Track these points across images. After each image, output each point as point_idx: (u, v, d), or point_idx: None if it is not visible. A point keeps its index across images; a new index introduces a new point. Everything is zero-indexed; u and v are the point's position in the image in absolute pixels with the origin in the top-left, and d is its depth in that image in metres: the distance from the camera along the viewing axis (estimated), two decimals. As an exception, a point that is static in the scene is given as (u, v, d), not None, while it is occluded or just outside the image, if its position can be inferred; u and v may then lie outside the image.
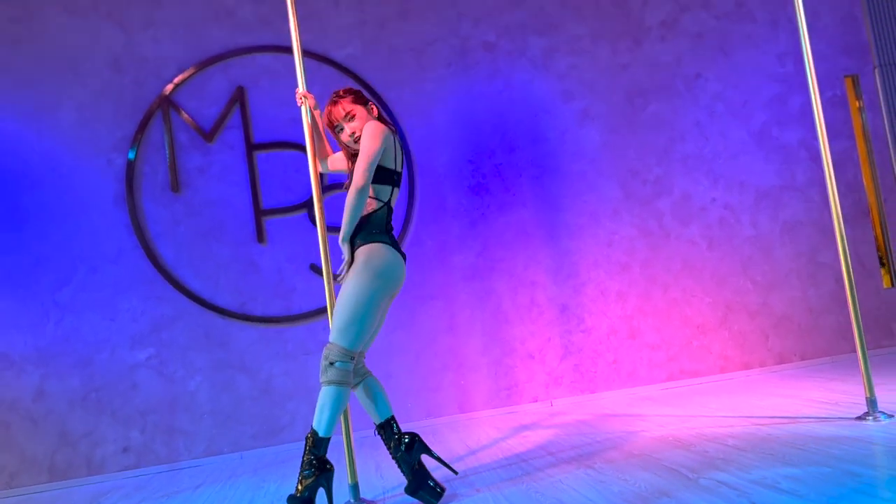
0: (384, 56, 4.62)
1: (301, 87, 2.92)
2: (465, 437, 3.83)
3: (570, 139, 4.71)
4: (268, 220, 4.44)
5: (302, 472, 2.45)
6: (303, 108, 2.90)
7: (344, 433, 2.82)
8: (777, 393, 3.88)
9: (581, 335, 4.61)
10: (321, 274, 4.40)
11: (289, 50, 4.40)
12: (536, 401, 4.52)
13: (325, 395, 2.49)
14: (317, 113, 2.94)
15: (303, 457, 2.49)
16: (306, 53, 4.36)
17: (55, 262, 4.23)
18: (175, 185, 4.35)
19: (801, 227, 4.81)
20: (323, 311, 4.38)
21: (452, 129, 4.63)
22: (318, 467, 2.45)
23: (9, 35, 4.32)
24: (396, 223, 4.49)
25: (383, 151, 2.62)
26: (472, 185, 4.61)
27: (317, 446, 2.48)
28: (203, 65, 4.45)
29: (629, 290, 4.67)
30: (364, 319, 2.53)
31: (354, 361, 2.56)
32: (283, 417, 4.30)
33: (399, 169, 2.71)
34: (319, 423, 2.48)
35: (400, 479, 3.01)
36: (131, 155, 4.33)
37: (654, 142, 4.77)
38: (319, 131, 2.96)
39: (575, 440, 3.36)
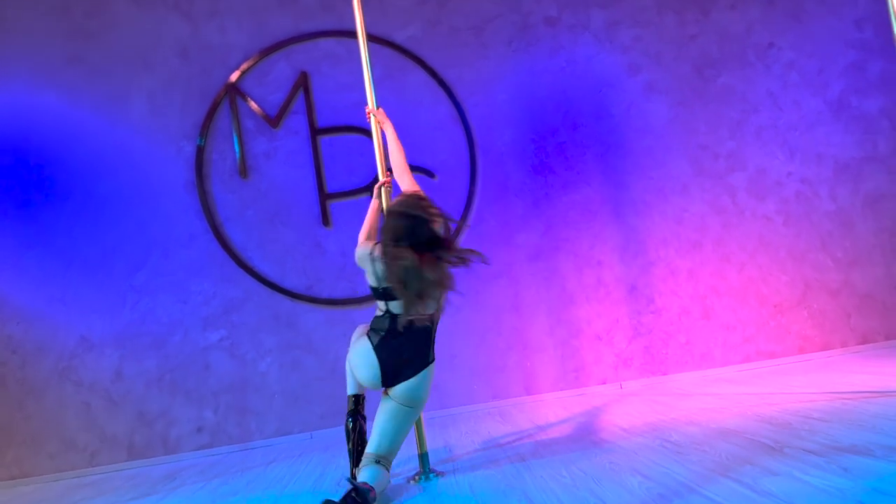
0: (445, 36, 4.59)
1: (370, 104, 3.09)
2: (532, 417, 3.77)
3: (636, 114, 4.59)
4: (332, 204, 4.47)
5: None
6: (372, 122, 3.03)
7: (412, 405, 2.80)
8: (862, 371, 3.69)
9: (651, 316, 4.49)
10: (386, 256, 4.43)
11: (351, 34, 4.43)
12: (605, 383, 4.42)
13: None
14: (385, 126, 3.05)
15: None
16: (368, 37, 4.33)
17: (130, 247, 4.36)
18: (243, 171, 4.43)
19: (884, 200, 4.56)
20: (388, 292, 4.38)
21: (514, 107, 4.57)
22: None
23: (83, 29, 4.47)
24: (458, 203, 4.47)
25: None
26: (534, 164, 4.54)
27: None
28: (267, 51, 4.51)
29: (701, 269, 4.52)
30: None
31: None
32: (350, 398, 4.32)
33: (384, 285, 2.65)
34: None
35: (468, 453, 2.99)
36: (200, 142, 4.42)
37: (726, 114, 4.60)
38: (388, 140, 3.05)
39: (648, 417, 3.26)
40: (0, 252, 4.33)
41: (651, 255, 4.52)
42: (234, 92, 4.46)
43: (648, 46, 4.62)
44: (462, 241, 4.44)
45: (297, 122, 4.50)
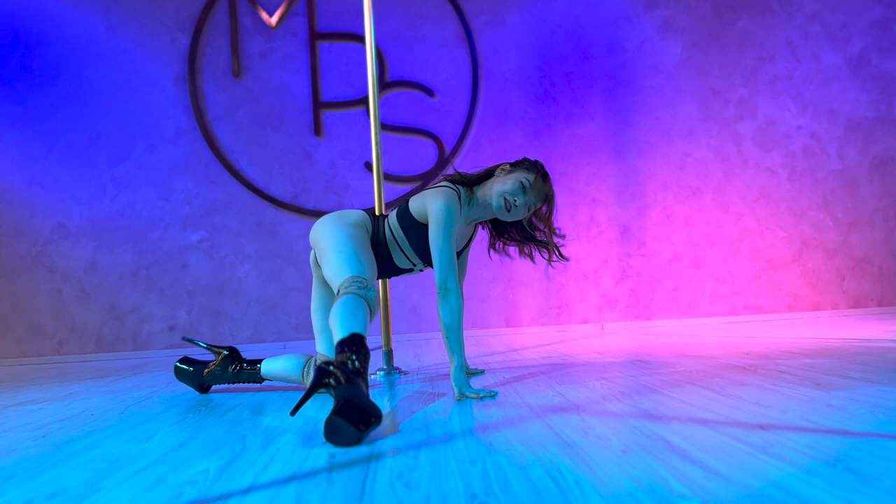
0: (458, -49, 4.40)
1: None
2: (509, 343, 3.69)
3: (649, 51, 4.43)
4: (326, 113, 4.33)
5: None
6: None
7: (383, 306, 2.71)
8: (853, 328, 3.59)
9: (640, 259, 4.38)
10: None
11: (360, -63, 4.24)
12: (587, 322, 4.34)
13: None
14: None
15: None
16: (377, -59, 4.17)
17: (115, 137, 4.24)
18: (236, 70, 4.28)
19: (893, 164, 4.42)
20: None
21: (524, 31, 4.40)
22: None
23: None
24: (456, 127, 4.33)
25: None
26: (538, 94, 4.39)
27: None
28: (272, -51, 4.33)
29: (698, 217, 4.40)
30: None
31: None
32: (326, 311, 4.24)
33: None
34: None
35: (435, 364, 2.91)
36: (194, 35, 4.27)
37: (741, 60, 4.44)
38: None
39: (624, 347, 3.17)
40: (-19, 130, 4.21)
41: (648, 198, 4.40)
42: (235, -13, 4.29)
43: (668, -19, 4.43)
44: (457, 167, 4.32)
45: (296, 24, 4.34)
